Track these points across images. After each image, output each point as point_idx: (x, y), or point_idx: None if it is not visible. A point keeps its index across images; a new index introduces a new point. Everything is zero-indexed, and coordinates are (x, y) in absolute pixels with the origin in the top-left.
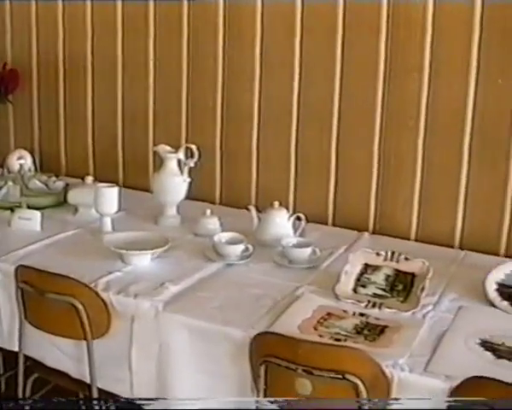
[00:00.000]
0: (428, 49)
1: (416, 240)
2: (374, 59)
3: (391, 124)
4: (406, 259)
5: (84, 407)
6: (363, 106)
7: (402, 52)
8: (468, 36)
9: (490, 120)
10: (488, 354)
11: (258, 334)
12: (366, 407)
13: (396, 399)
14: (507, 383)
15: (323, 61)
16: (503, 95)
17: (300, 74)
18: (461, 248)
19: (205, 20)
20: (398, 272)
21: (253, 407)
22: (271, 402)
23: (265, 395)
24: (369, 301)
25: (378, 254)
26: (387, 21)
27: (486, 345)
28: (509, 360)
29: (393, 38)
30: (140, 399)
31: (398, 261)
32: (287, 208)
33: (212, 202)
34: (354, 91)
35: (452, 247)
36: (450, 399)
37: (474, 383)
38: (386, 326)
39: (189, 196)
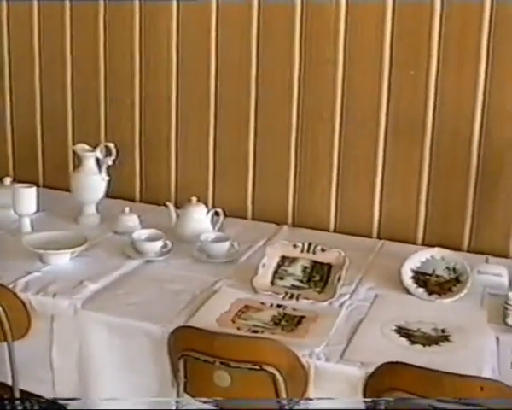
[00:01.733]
0: (342, 42)
1: (335, 231)
2: (288, 53)
3: (307, 116)
4: (323, 250)
5: (8, 407)
6: (279, 100)
7: (316, 46)
8: (380, 31)
9: (404, 110)
10: (403, 339)
11: (176, 329)
12: (287, 408)
13: (309, 399)
14: (419, 367)
15: (239, 57)
16: (415, 85)
17: (217, 72)
18: (379, 237)
19: (121, 19)
20: (314, 263)
21: (173, 408)
22: (205, 403)
23: (185, 389)
24: (286, 293)
25: (295, 246)
26: (301, 18)
27: (402, 331)
28: (424, 345)
29: (307, 32)
30: (62, 399)
31: (314, 253)
32: (206, 204)
33: (132, 200)
34: (270, 86)
35: (370, 237)
36: (368, 399)
37: (387, 369)
38: (303, 317)
39: (109, 194)
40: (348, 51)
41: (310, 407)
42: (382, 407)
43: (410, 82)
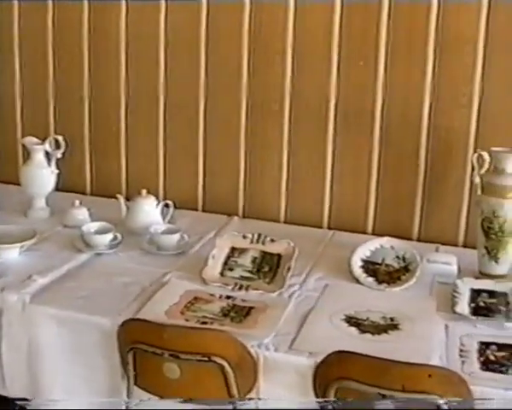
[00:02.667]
0: (291, 34)
1: (286, 222)
2: (237, 46)
3: (256, 107)
4: (272, 241)
5: None
6: (228, 91)
7: (265, 38)
8: (329, 22)
9: (353, 100)
10: (352, 329)
11: (125, 321)
12: (242, 407)
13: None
14: (367, 356)
15: (188, 51)
16: (364, 76)
17: (166, 65)
18: (329, 228)
19: (70, 14)
20: (264, 254)
21: (123, 407)
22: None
23: (136, 382)
24: (235, 284)
25: (244, 237)
26: (250, 11)
27: (351, 321)
28: (373, 333)
29: (256, 25)
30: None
31: (264, 243)
32: (157, 196)
33: (83, 193)
34: (219, 77)
35: (321, 227)
36: (321, 400)
37: (336, 358)
38: (252, 308)
39: (60, 187)
40: (297, 42)
41: (260, 407)
42: (330, 406)
43: (359, 72)
